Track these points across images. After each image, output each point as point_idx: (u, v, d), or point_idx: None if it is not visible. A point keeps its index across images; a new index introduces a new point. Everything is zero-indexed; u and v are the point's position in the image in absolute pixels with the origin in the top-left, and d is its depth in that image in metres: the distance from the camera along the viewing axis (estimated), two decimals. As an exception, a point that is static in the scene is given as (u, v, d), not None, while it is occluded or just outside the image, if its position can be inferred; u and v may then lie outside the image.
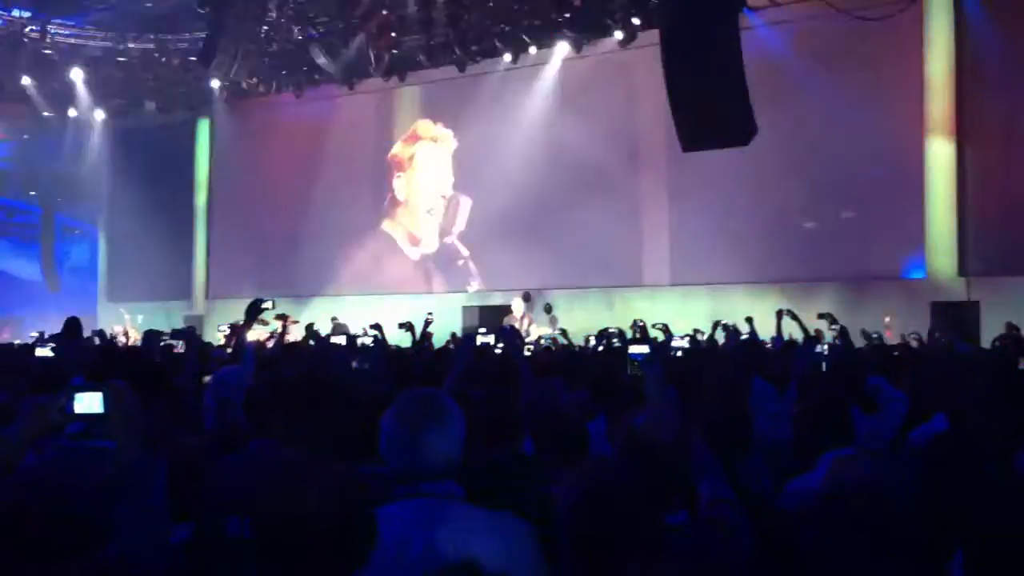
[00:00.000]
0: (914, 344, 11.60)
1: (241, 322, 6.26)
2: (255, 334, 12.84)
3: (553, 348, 11.77)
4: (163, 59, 20.03)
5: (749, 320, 10.18)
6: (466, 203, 21.24)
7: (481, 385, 4.70)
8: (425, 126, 21.85)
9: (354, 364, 5.48)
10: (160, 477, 2.89)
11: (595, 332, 11.45)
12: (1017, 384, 5.68)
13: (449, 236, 21.47)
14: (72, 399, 2.94)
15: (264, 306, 6.27)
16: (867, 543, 2.59)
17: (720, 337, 10.35)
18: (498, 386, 4.42)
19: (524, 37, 18.00)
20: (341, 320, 16.62)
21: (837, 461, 3.39)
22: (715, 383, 4.66)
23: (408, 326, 9.23)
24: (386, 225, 22.25)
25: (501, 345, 6.81)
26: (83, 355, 7.55)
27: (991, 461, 3.67)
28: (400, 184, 22.15)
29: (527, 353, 7.71)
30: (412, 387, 5.14)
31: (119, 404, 2.64)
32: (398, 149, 22.17)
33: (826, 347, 5.94)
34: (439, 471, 2.59)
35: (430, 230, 21.61)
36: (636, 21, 16.61)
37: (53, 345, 7.08)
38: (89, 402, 2.94)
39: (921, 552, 2.74)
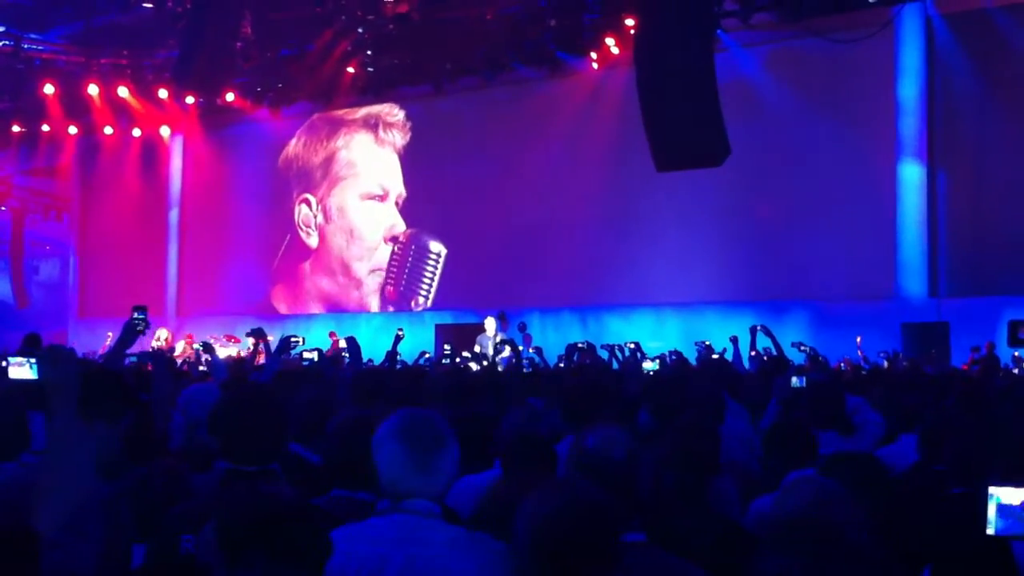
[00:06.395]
0: (884, 364, 11.68)
1: (213, 338, 6.21)
2: (227, 351, 12.76)
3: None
4: (136, 75, 19.93)
5: (734, 340, 9.87)
6: (438, 251, 16.94)
7: (461, 405, 4.68)
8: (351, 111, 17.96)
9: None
10: (123, 512, 2.78)
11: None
12: (984, 406, 5.74)
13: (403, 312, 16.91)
14: (7, 365, 2.89)
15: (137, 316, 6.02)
16: (819, 565, 2.60)
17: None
18: (479, 407, 4.41)
19: (500, 58, 18.04)
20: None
21: (792, 483, 3.40)
22: (686, 404, 4.66)
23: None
24: (276, 296, 18.57)
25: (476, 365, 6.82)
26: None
27: (960, 483, 3.70)
28: (309, 216, 18.09)
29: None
30: (385, 406, 5.10)
31: (55, 367, 2.40)
32: (299, 148, 18.43)
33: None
34: (440, 492, 2.60)
35: (371, 297, 17.06)
36: (611, 42, 16.69)
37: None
38: (23, 369, 2.89)
39: (879, 573, 2.75)
